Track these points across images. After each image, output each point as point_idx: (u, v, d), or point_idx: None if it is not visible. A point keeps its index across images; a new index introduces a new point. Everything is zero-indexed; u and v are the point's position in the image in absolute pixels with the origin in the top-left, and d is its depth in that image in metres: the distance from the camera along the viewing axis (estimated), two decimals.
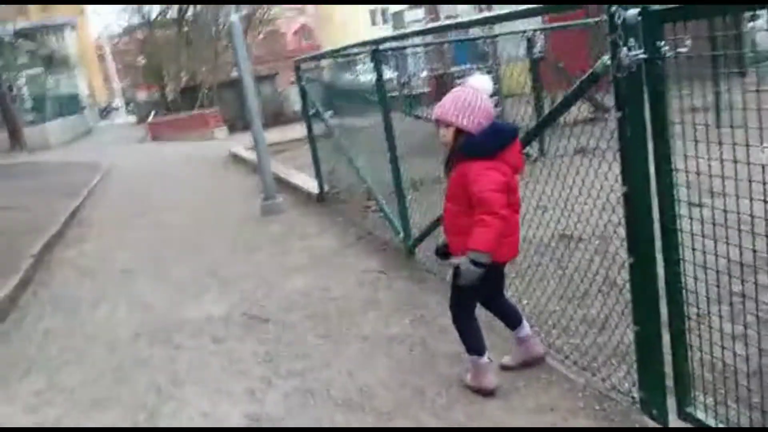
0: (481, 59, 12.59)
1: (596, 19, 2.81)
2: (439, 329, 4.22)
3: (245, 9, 29.76)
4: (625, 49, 2.58)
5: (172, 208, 10.16)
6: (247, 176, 12.51)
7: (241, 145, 16.57)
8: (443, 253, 3.49)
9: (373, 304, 4.87)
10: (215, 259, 6.75)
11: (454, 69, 12.53)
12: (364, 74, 11.85)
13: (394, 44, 5.87)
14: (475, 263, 3.00)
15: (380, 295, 5.03)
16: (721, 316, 2.74)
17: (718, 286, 2.74)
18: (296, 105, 33.30)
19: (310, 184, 9.17)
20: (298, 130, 11.71)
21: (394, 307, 4.75)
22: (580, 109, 12.41)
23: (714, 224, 2.56)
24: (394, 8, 41.37)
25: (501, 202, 3.02)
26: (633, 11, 2.60)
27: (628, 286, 2.95)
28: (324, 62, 8.34)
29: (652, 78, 2.58)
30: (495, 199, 3.00)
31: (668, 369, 2.87)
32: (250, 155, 14.53)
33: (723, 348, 2.67)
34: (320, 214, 8.05)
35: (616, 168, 2.85)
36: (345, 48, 6.31)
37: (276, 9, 41.84)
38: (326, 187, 8.53)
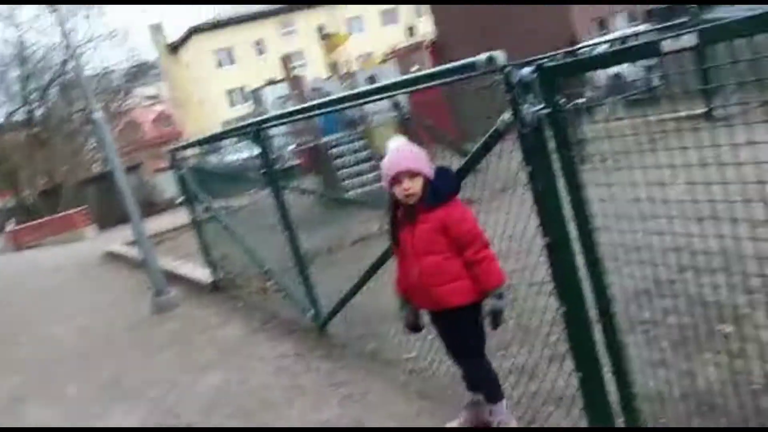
0: (350, 126, 12.85)
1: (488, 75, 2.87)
2: (372, 405, 4.09)
3: (101, 102, 28.92)
4: (526, 105, 2.66)
5: (55, 320, 9.45)
6: (130, 273, 11.92)
7: (116, 241, 15.83)
8: (415, 324, 3.42)
9: (296, 391, 4.67)
10: (114, 369, 6.29)
11: (326, 139, 12.66)
12: (245, 152, 11.77)
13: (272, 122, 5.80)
14: (501, 297, 3.07)
15: (301, 379, 4.84)
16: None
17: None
18: (165, 194, 32.56)
19: (201, 273, 8.84)
20: (172, 219, 11.39)
21: (319, 390, 4.58)
22: (450, 162, 12.86)
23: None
24: (252, 86, 41.63)
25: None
26: (527, 69, 2.69)
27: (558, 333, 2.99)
28: (201, 147, 8.18)
29: (557, 129, 2.66)
30: (481, 232, 3.11)
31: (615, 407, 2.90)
32: (129, 251, 13.92)
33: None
34: (218, 303, 7.75)
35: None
36: (224, 132, 6.18)
37: (132, 99, 41.16)
38: (220, 274, 8.25)
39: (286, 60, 12.90)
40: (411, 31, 48.35)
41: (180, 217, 19.43)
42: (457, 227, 3.06)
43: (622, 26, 30.63)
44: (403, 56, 13.40)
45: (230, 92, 50.28)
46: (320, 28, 49.98)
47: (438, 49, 17.71)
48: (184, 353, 6.24)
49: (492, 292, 3.06)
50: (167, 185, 34.95)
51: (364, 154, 12.59)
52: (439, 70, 3.07)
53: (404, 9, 52.92)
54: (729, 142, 2.38)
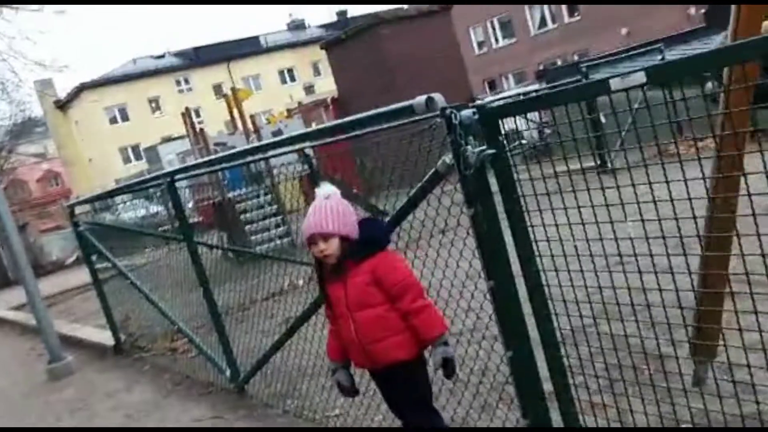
0: (256, 181, 12.65)
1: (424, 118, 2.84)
2: None
3: None
4: (469, 147, 2.63)
5: None
6: (17, 340, 11.08)
7: (3, 305, 14.79)
8: (351, 389, 3.29)
9: None
10: None
11: (231, 194, 12.39)
12: (141, 210, 11.31)
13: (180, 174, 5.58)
14: (447, 344, 2.93)
15: None
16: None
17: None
18: (52, 255, 30.88)
19: (102, 336, 8.30)
20: (61, 282, 10.78)
21: None
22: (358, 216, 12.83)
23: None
24: (147, 143, 40.54)
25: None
26: (467, 112, 2.68)
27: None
28: (103, 202, 7.79)
29: (501, 170, 2.65)
30: (417, 281, 2.99)
31: None
32: (17, 316, 13.02)
33: None
34: (121, 366, 7.26)
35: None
36: (132, 185, 5.90)
37: (17, 157, 39.32)
38: (122, 336, 7.76)
39: (188, 114, 12.61)
40: (309, 89, 48.83)
41: (70, 279, 18.51)
42: (389, 278, 2.94)
43: (512, 87, 32.27)
44: (307, 112, 13.45)
45: (123, 149, 48.77)
46: (217, 86, 49.74)
47: (339, 106, 17.91)
48: (86, 420, 5.77)
49: (436, 341, 2.92)
50: (54, 246, 33.24)
51: (270, 209, 12.40)
52: (375, 113, 3.01)
53: (302, 68, 53.44)
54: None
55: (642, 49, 14.19)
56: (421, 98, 2.81)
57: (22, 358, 9.31)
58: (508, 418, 3.32)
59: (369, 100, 16.51)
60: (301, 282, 7.78)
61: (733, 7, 2.94)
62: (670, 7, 29.61)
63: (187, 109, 12.75)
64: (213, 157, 5.27)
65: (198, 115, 49.77)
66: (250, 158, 4.72)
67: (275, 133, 11.98)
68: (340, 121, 3.24)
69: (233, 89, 12.67)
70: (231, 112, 12.86)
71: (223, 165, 4.79)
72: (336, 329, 3.15)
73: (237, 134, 12.36)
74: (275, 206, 12.21)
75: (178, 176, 5.06)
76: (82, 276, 16.16)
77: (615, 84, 2.13)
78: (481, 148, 2.63)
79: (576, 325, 2.87)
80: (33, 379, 7.70)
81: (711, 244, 3.08)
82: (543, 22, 37.21)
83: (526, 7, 37.02)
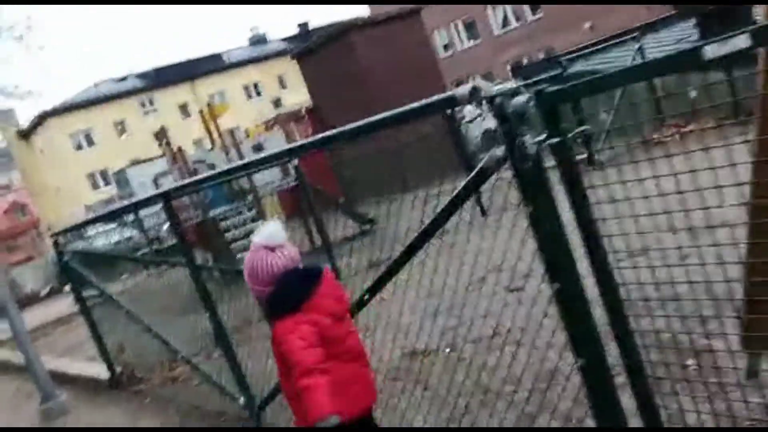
0: (238, 198, 12.30)
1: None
2: None
3: None
4: (527, 137, 2.39)
5: None
6: (1, 380, 10.58)
7: None
8: None
9: None
10: None
11: (214, 212, 12.04)
12: (116, 236, 10.94)
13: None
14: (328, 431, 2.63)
15: None
16: None
17: None
18: (27, 287, 30.07)
19: (94, 370, 7.91)
20: (40, 314, 10.31)
21: None
22: (344, 227, 12.48)
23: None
24: (115, 167, 39.80)
25: (314, 359, 2.68)
26: (521, 98, 2.44)
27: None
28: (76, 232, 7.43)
29: (563, 161, 2.41)
30: (305, 357, 2.68)
31: None
32: None
33: None
34: (120, 401, 6.89)
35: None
36: (121, 208, 5.57)
37: None
38: (117, 368, 7.38)
39: (162, 134, 12.25)
40: (277, 102, 48.42)
41: (47, 311, 17.93)
42: (279, 347, 2.78)
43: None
44: (285, 123, 13.17)
45: (91, 175, 47.83)
46: (182, 106, 49.10)
47: (316, 116, 17.65)
48: None
49: (316, 425, 2.62)
50: (27, 279, 32.41)
51: (254, 225, 12.05)
52: (411, 108, 2.75)
53: (268, 82, 53.03)
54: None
55: (615, 40, 14.13)
56: (464, 87, 2.56)
57: (8, 400, 8.86)
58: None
59: (345, 107, 16.28)
60: None
61: None
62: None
63: (162, 128, 12.39)
64: (213, 172, 4.96)
65: (165, 135, 49.22)
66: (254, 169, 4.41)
67: (256, 147, 11.68)
68: (363, 121, 2.96)
69: (209, 104, 12.36)
70: (208, 128, 12.52)
71: (224, 178, 4.49)
72: None
73: (216, 150, 12.02)
74: (260, 221, 11.88)
75: (176, 192, 4.75)
76: (59, 307, 15.69)
77: (711, 51, 1.89)
78: (540, 137, 2.39)
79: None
80: (26, 422, 7.29)
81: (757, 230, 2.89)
82: (506, 22, 37.33)
83: (489, 7, 37.11)
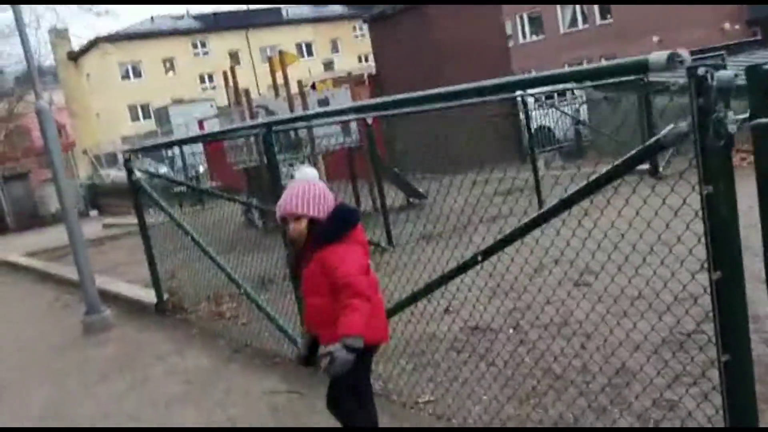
0: (295, 149, 12.19)
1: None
2: None
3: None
4: (730, 113, 2.24)
5: None
6: (37, 289, 10.64)
7: (12, 251, 14.34)
8: (302, 358, 3.40)
9: None
10: (48, 402, 5.29)
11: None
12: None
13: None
14: (349, 349, 2.85)
15: (309, 422, 4.17)
16: None
17: None
18: (53, 207, 30.29)
19: (138, 293, 7.91)
20: (61, 235, 10.24)
21: None
22: (396, 197, 12.37)
23: None
24: (157, 103, 39.92)
25: (366, 283, 2.99)
26: (727, 72, 2.28)
27: None
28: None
29: (764, 145, 2.25)
30: (360, 281, 2.96)
31: None
32: (32, 262, 12.61)
33: None
34: (165, 327, 6.85)
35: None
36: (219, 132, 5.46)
37: (23, 104, 38.61)
38: (165, 294, 7.35)
39: (232, 73, 12.16)
40: (328, 65, 48.25)
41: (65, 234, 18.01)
42: (333, 271, 2.97)
43: None
44: (354, 84, 13.05)
45: (133, 107, 48.04)
46: (233, 53, 49.06)
47: (377, 84, 17.49)
48: (138, 383, 5.36)
49: (341, 339, 2.85)
50: (53, 198, 32.64)
51: None
52: (596, 67, 2.60)
53: (321, 43, 52.87)
54: None
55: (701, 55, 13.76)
56: (661, 53, 2.41)
57: (47, 308, 8.89)
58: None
59: (410, 80, 16.07)
60: None
61: None
62: (703, 20, 29.24)
63: (232, 67, 12.27)
64: (310, 112, 4.83)
65: (211, 80, 49.35)
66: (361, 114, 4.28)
67: (321, 102, 11.53)
68: (534, 75, 2.82)
69: (280, 52, 12.18)
70: (274, 77, 12.39)
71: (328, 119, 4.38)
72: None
73: (280, 99, 11.89)
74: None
75: (276, 127, 4.64)
76: (89, 229, 15.71)
77: None
78: (744, 116, 2.24)
79: None
80: (66, 332, 7.30)
81: None
82: (574, 22, 36.73)
83: (558, 5, 36.53)
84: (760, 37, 17.49)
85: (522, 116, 13.66)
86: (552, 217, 2.89)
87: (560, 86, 16.13)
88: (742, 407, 2.47)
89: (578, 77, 2.75)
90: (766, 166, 2.26)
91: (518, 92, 14.14)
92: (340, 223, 3.07)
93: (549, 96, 16.45)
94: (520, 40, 39.18)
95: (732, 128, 2.24)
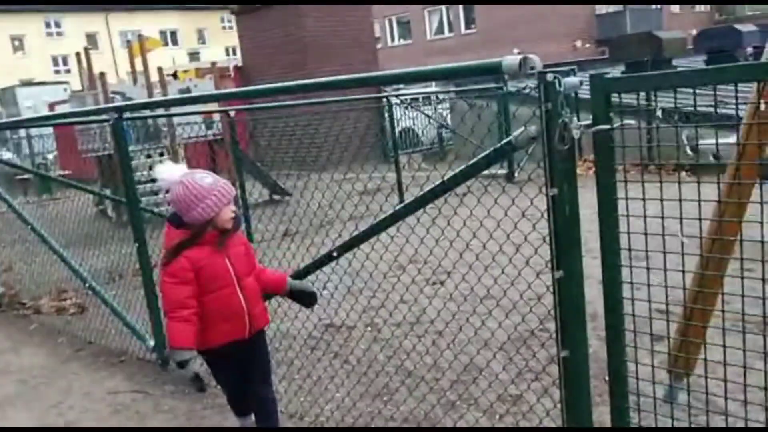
0: (152, 139, 11.67)
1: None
2: None
3: None
4: (575, 119, 2.34)
5: None
6: None
7: None
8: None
9: None
10: None
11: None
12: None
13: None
14: None
15: (153, 422, 3.98)
16: None
17: None
18: None
19: None
20: None
21: None
22: (261, 193, 12.20)
23: None
24: (3, 84, 37.08)
25: None
26: (574, 79, 2.39)
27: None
28: None
29: (604, 150, 2.37)
30: None
31: None
32: None
33: None
34: (1, 322, 6.33)
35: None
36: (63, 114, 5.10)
37: None
38: (1, 289, 6.79)
39: (85, 55, 11.47)
40: (194, 55, 46.75)
41: None
42: (251, 250, 3.20)
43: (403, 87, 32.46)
44: (217, 74, 12.63)
45: None
46: (91, 36, 46.42)
47: (243, 77, 17.11)
48: None
49: (288, 282, 3.30)
50: None
51: None
52: (455, 67, 2.64)
53: (187, 33, 51.15)
54: None
55: (556, 68, 14.47)
56: (513, 57, 2.48)
57: None
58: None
59: (277, 73, 15.84)
60: None
61: None
62: (558, 36, 31.02)
63: (85, 49, 11.57)
64: (167, 98, 4.61)
65: (66, 63, 46.38)
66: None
67: (183, 91, 11.12)
68: (396, 71, 2.81)
69: (140, 36, 11.63)
70: (132, 62, 11.82)
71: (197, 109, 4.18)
72: (209, 306, 2.97)
73: (139, 86, 11.35)
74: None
75: (126, 114, 4.39)
76: None
77: None
78: (587, 122, 2.35)
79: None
80: None
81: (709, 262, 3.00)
82: (440, 29, 37.75)
83: (426, 11, 37.41)
84: (607, 56, 18.75)
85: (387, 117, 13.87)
86: (406, 215, 2.91)
87: (427, 90, 16.52)
88: (577, 401, 2.59)
89: (440, 75, 2.80)
90: (605, 169, 2.38)
91: (384, 94, 14.37)
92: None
93: (415, 99, 16.80)
94: (389, 43, 39.78)
95: (576, 133, 2.34)
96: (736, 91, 2.05)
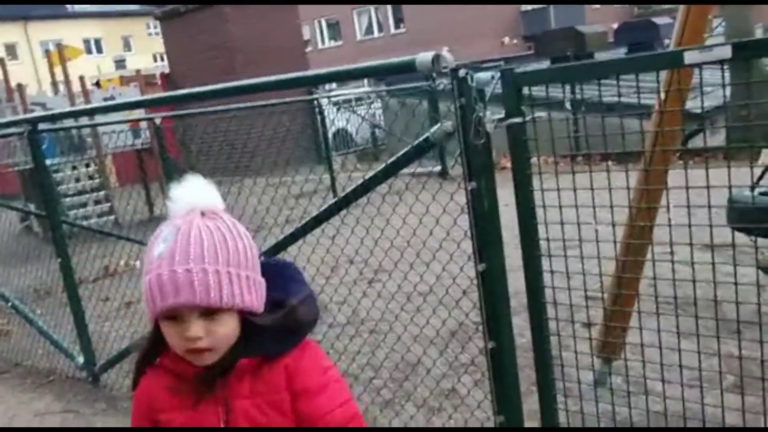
0: (77, 151, 11.34)
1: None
2: None
3: None
4: (488, 113, 2.37)
5: None
6: None
7: None
8: None
9: None
10: None
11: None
12: None
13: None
14: None
15: None
16: None
17: None
18: None
19: None
20: None
21: None
22: None
23: None
24: None
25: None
26: (485, 74, 2.43)
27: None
28: None
29: (518, 143, 2.41)
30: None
31: None
32: None
33: None
34: None
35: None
36: None
37: None
38: None
39: (2, 64, 11.07)
40: (120, 63, 45.65)
41: None
42: (318, 393, 1.49)
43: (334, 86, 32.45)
44: (142, 81, 12.31)
45: None
46: (10, 46, 44.80)
47: (170, 83, 16.76)
48: None
49: None
50: None
51: (91, 183, 11.14)
52: (371, 65, 2.65)
53: (112, 41, 49.89)
54: None
55: (483, 65, 14.70)
56: (426, 54, 2.49)
57: None
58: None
59: (205, 78, 15.53)
60: (139, 263, 7.06)
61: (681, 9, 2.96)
62: (486, 34, 31.55)
63: (1, 60, 11.16)
64: (85, 107, 4.50)
65: (4, 66, 44.39)
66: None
67: (107, 100, 10.81)
68: (316, 72, 2.80)
69: (59, 45, 11.29)
70: (52, 72, 11.47)
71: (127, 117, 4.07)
72: None
73: (60, 96, 11.01)
74: (98, 180, 11.04)
75: (43, 126, 4.25)
76: None
77: (691, 57, 1.97)
78: (500, 116, 2.39)
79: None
80: None
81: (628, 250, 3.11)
82: (369, 29, 37.84)
83: (355, 12, 37.46)
84: (533, 52, 19.15)
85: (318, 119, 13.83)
86: (329, 217, 2.90)
87: (358, 90, 16.51)
88: (507, 390, 2.63)
89: (358, 74, 2.84)
90: (519, 161, 2.42)
91: (315, 95, 14.33)
92: (313, 304, 1.57)
93: (348, 100, 16.78)
94: (319, 45, 39.67)
95: (489, 127, 2.38)
96: (638, 81, 2.11)
